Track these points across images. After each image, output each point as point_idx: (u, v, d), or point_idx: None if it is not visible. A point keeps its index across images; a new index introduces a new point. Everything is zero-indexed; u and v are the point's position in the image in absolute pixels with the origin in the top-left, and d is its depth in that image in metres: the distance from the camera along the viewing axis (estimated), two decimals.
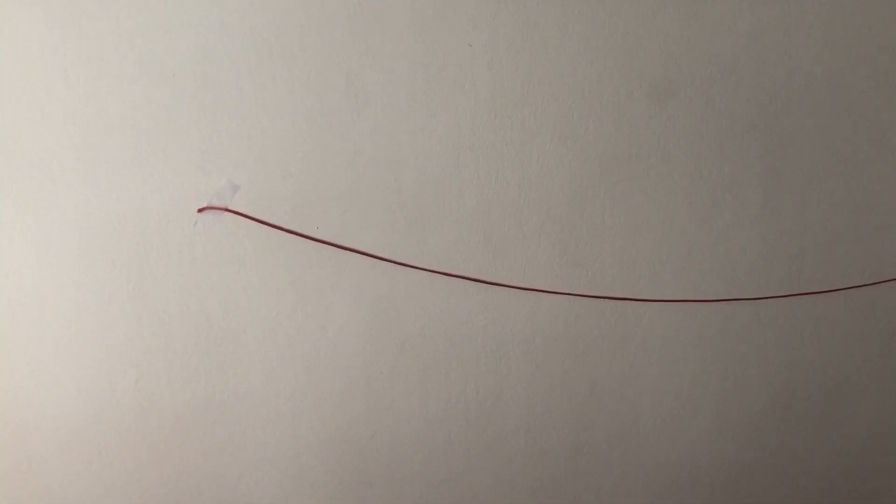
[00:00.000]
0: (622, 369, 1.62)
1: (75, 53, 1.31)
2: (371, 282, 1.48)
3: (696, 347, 1.63)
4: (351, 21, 1.37)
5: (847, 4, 1.53)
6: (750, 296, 1.62)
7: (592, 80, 1.47)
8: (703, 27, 1.49)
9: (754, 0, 1.49)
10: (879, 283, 1.65)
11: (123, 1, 1.31)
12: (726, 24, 1.49)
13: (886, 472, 1.79)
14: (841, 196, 1.60)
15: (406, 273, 1.48)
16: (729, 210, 1.57)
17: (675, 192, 1.54)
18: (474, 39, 1.42)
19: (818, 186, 1.59)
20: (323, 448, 1.55)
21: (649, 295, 1.58)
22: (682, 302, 1.60)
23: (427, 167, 1.45)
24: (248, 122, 1.38)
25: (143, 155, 1.36)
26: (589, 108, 1.48)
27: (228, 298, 1.44)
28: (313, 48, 1.37)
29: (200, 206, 1.38)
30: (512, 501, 1.66)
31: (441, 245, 1.49)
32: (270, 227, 1.41)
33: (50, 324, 1.41)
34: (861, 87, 1.57)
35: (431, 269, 1.49)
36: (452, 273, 1.50)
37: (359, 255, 1.46)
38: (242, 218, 1.40)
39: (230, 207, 1.39)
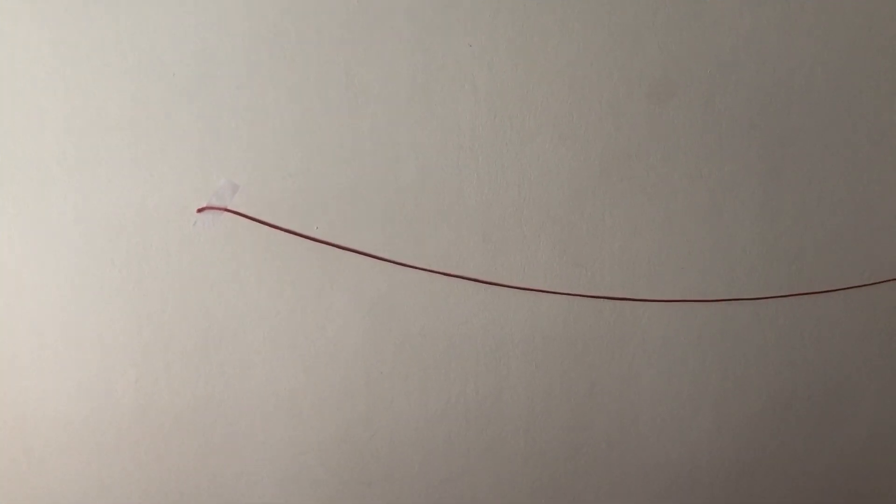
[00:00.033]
0: (622, 369, 1.62)
1: (75, 53, 1.31)
2: (370, 282, 1.48)
3: (696, 347, 1.63)
4: (350, 21, 1.37)
5: (847, 4, 1.53)
6: (750, 296, 1.61)
7: (592, 80, 1.47)
8: (703, 27, 1.49)
9: (754, 0, 1.49)
10: (879, 283, 1.65)
11: (123, 1, 1.31)
12: (726, 24, 1.49)
13: (886, 472, 1.79)
14: (841, 196, 1.60)
15: (405, 273, 1.48)
16: (729, 210, 1.57)
17: (675, 192, 1.54)
18: (474, 39, 1.41)
19: (818, 186, 1.59)
20: (322, 448, 1.55)
21: (649, 295, 1.58)
22: (681, 302, 1.60)
23: (426, 167, 1.45)
24: (247, 122, 1.38)
25: (142, 155, 1.36)
26: (589, 107, 1.48)
27: (228, 298, 1.44)
28: (312, 48, 1.37)
29: (200, 206, 1.38)
30: (511, 501, 1.65)
31: (440, 245, 1.49)
32: (270, 227, 1.41)
33: (49, 324, 1.41)
34: (861, 87, 1.56)
35: (431, 268, 1.49)
36: (452, 273, 1.50)
37: (358, 254, 1.46)
38: (242, 218, 1.40)
39: (229, 207, 1.39)
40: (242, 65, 1.36)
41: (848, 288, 1.64)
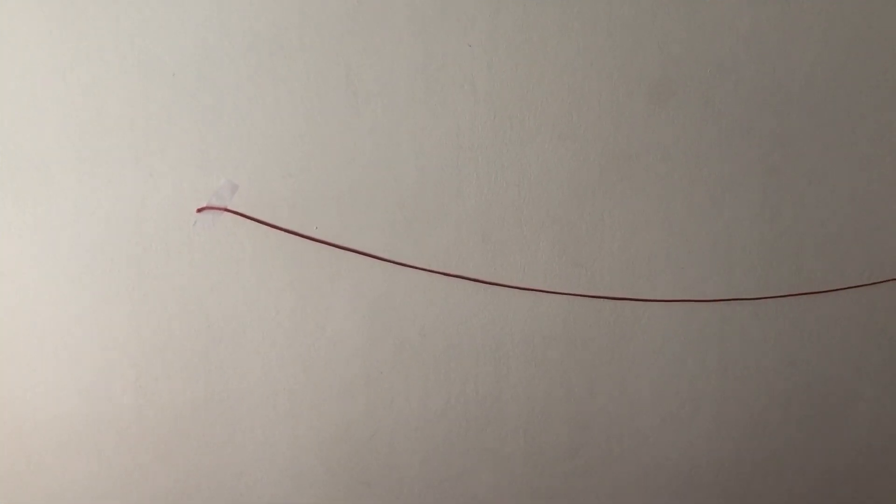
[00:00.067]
0: (622, 369, 1.62)
1: (74, 53, 1.31)
2: (370, 281, 1.48)
3: (696, 347, 1.63)
4: (350, 20, 1.37)
5: (847, 4, 1.53)
6: (749, 296, 1.61)
7: (592, 80, 1.47)
8: (702, 27, 1.49)
9: (754, 0, 1.49)
10: (879, 283, 1.65)
11: (123, 1, 1.31)
12: (726, 24, 1.49)
13: (886, 472, 1.79)
14: (840, 196, 1.60)
15: (405, 273, 1.48)
16: (728, 210, 1.57)
17: (675, 191, 1.54)
18: (474, 39, 1.42)
19: (817, 186, 1.59)
20: (322, 448, 1.55)
21: (649, 295, 1.58)
22: (681, 302, 1.60)
23: (426, 167, 1.45)
24: (247, 121, 1.38)
25: (142, 155, 1.36)
26: (588, 107, 1.48)
27: (227, 298, 1.44)
28: (312, 48, 1.37)
29: (200, 206, 1.38)
30: (511, 501, 1.65)
31: (440, 245, 1.49)
32: (269, 227, 1.41)
33: (49, 323, 1.41)
34: (861, 87, 1.56)
35: (430, 268, 1.49)
36: (451, 273, 1.50)
37: (358, 254, 1.46)
38: (241, 218, 1.40)
39: (229, 207, 1.39)
40: (242, 65, 1.36)
41: (847, 288, 1.64)
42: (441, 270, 1.50)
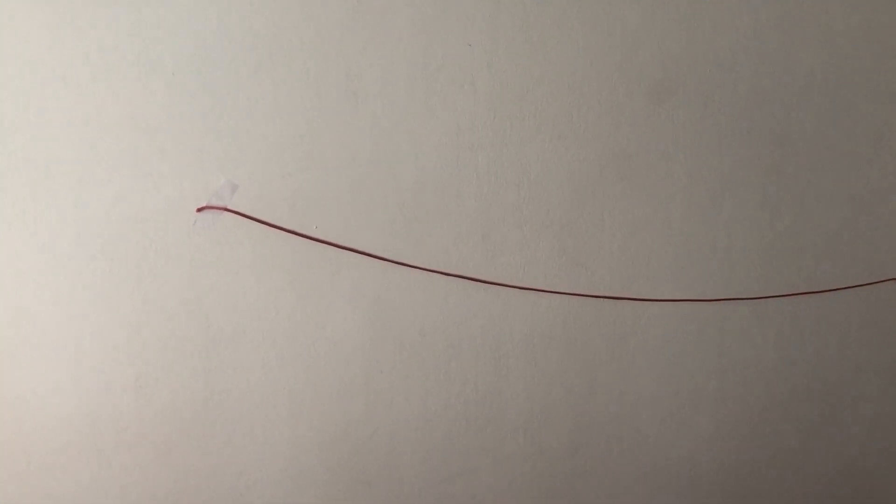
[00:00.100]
0: (621, 368, 1.62)
1: (74, 53, 1.31)
2: (370, 281, 1.48)
3: (695, 347, 1.63)
4: (350, 20, 1.37)
5: (847, 4, 1.53)
6: (749, 295, 1.61)
7: (592, 80, 1.47)
8: (702, 27, 1.49)
9: (754, 0, 1.49)
10: (878, 282, 1.65)
11: (123, 1, 1.31)
12: (726, 24, 1.49)
13: (886, 472, 1.79)
14: (840, 196, 1.60)
15: (405, 272, 1.48)
16: (728, 209, 1.57)
17: (675, 191, 1.54)
18: (474, 38, 1.42)
19: (817, 186, 1.59)
20: (322, 447, 1.55)
21: (648, 294, 1.58)
22: (681, 301, 1.60)
23: (426, 166, 1.45)
24: (246, 121, 1.38)
25: (141, 154, 1.36)
26: (588, 107, 1.48)
27: (227, 298, 1.44)
28: (312, 47, 1.37)
29: (199, 206, 1.39)
30: (511, 501, 1.65)
31: (440, 244, 1.49)
32: (269, 227, 1.41)
33: (49, 323, 1.41)
34: (861, 86, 1.56)
35: (430, 268, 1.49)
36: (451, 272, 1.50)
37: (358, 254, 1.46)
38: (241, 217, 1.40)
39: (229, 207, 1.39)
40: (242, 64, 1.36)
41: (847, 287, 1.64)
42: (441, 270, 1.50)
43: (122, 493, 1.50)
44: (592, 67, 1.47)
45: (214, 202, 1.38)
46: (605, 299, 1.57)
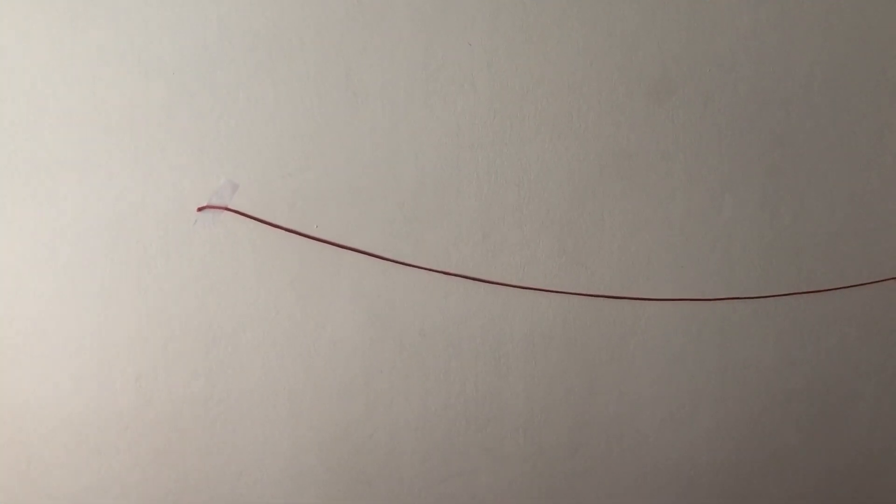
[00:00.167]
0: (621, 368, 1.62)
1: (74, 52, 1.32)
2: (370, 281, 1.48)
3: (695, 346, 1.63)
4: (350, 19, 1.38)
5: (847, 4, 1.53)
6: (749, 295, 1.61)
7: (592, 79, 1.47)
8: (702, 26, 1.49)
9: (754, 0, 1.49)
10: (878, 282, 1.65)
11: (123, 1, 1.31)
12: (726, 24, 1.49)
13: (886, 472, 1.79)
14: (840, 195, 1.60)
15: (405, 272, 1.48)
16: (728, 209, 1.57)
17: (675, 190, 1.54)
18: (474, 38, 1.42)
19: (817, 185, 1.59)
20: (322, 447, 1.55)
21: (648, 294, 1.58)
22: (681, 301, 1.60)
23: (426, 166, 1.45)
24: (247, 121, 1.38)
25: (142, 154, 1.37)
26: (588, 106, 1.48)
27: (228, 297, 1.44)
28: (312, 47, 1.37)
29: (200, 205, 1.39)
30: (511, 501, 1.65)
31: (440, 244, 1.49)
32: (270, 226, 1.42)
33: (49, 323, 1.41)
34: (861, 86, 1.56)
35: (430, 267, 1.49)
36: (451, 272, 1.50)
37: (358, 253, 1.46)
38: (242, 217, 1.40)
39: (229, 206, 1.39)
40: (242, 64, 1.36)
41: (847, 287, 1.64)
42: (441, 269, 1.50)
43: (122, 493, 1.50)
44: (592, 67, 1.47)
45: (215, 202, 1.38)
46: (605, 299, 1.57)
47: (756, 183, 1.57)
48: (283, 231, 1.42)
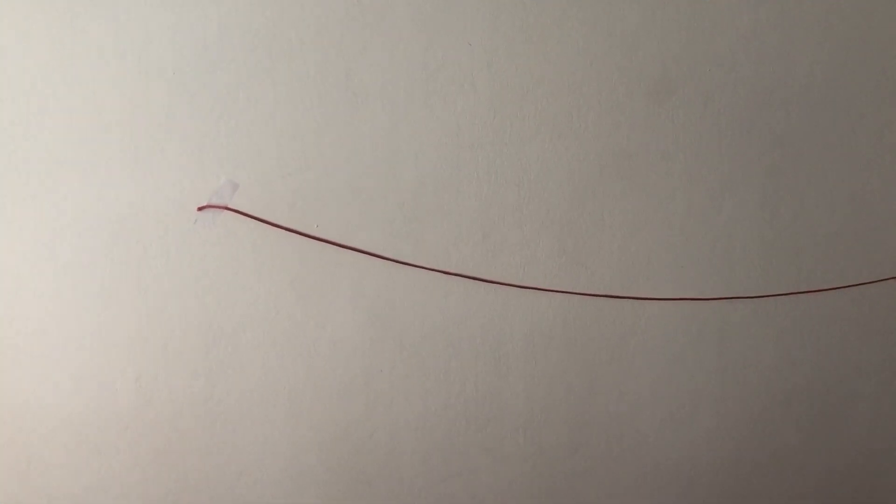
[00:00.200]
0: (621, 368, 1.62)
1: (74, 52, 1.32)
2: (370, 280, 1.48)
3: (695, 346, 1.63)
4: (350, 19, 1.38)
5: (847, 4, 1.53)
6: (749, 294, 1.61)
7: (592, 79, 1.47)
8: (702, 26, 1.49)
9: (754, 0, 1.49)
10: (878, 281, 1.65)
11: (122, 0, 1.31)
12: (725, 24, 1.49)
13: (886, 472, 1.79)
14: (839, 195, 1.60)
15: (405, 271, 1.48)
16: (728, 209, 1.57)
17: (675, 190, 1.54)
18: (474, 38, 1.42)
19: (817, 185, 1.59)
20: (322, 447, 1.55)
21: (648, 293, 1.58)
22: (681, 300, 1.60)
23: (426, 165, 1.45)
24: (247, 120, 1.38)
25: (142, 153, 1.37)
26: (588, 106, 1.48)
27: (227, 297, 1.44)
28: (312, 46, 1.38)
29: (200, 205, 1.39)
30: (511, 500, 1.65)
31: (440, 243, 1.49)
32: (270, 226, 1.42)
33: (49, 323, 1.41)
34: (860, 86, 1.57)
35: (430, 267, 1.49)
36: (451, 271, 1.50)
37: (358, 253, 1.46)
38: (242, 216, 1.40)
39: (230, 206, 1.39)
40: (242, 64, 1.36)
41: (847, 286, 1.64)
42: (441, 269, 1.50)
43: (122, 493, 1.50)
44: (592, 67, 1.47)
45: (215, 201, 1.39)
46: (606, 298, 1.57)
47: (756, 183, 1.57)
48: (283, 231, 1.42)
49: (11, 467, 1.47)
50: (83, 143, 1.35)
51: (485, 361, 1.56)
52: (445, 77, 1.42)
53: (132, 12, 1.32)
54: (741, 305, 1.62)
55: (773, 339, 1.65)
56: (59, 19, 1.30)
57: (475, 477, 1.62)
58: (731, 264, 1.60)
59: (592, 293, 1.56)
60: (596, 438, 1.65)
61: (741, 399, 1.68)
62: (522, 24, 1.43)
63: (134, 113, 1.35)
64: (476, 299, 1.53)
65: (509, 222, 1.50)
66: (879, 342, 1.70)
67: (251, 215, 1.41)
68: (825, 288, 1.64)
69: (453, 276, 1.50)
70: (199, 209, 1.38)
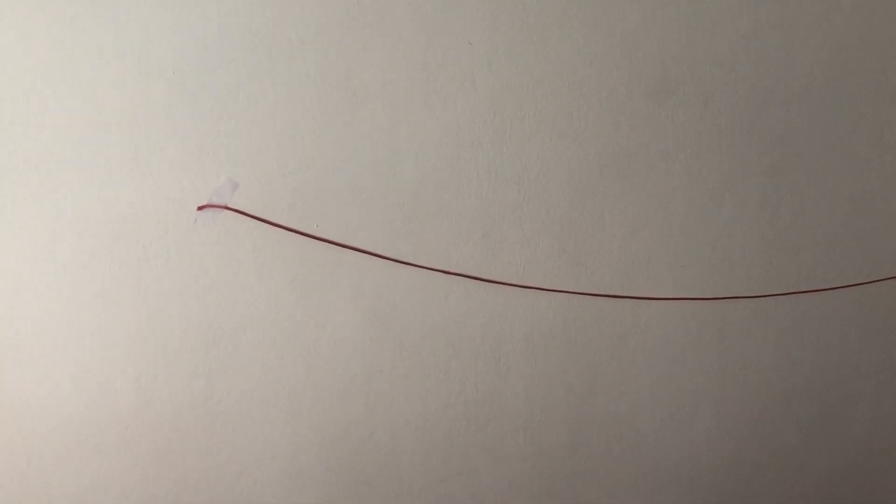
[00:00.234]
0: (621, 367, 1.62)
1: (74, 52, 1.32)
2: (370, 280, 1.48)
3: (695, 346, 1.63)
4: (350, 18, 1.38)
5: (847, 4, 1.53)
6: (749, 294, 1.61)
7: (592, 79, 1.47)
8: (702, 26, 1.49)
9: (754, 0, 1.49)
10: (878, 281, 1.65)
11: (123, 0, 1.31)
12: (725, 23, 1.49)
13: (886, 472, 1.79)
14: (840, 194, 1.60)
15: (405, 271, 1.48)
16: (728, 208, 1.57)
17: (675, 190, 1.54)
18: (474, 37, 1.42)
19: (817, 185, 1.59)
20: (322, 447, 1.55)
21: (648, 293, 1.58)
22: (681, 300, 1.60)
23: (426, 165, 1.45)
24: (247, 119, 1.38)
25: (141, 153, 1.37)
26: (588, 106, 1.48)
27: (227, 296, 1.44)
28: (312, 45, 1.37)
29: (200, 204, 1.39)
30: (511, 500, 1.65)
31: (440, 243, 1.49)
32: (270, 225, 1.42)
33: (49, 323, 1.41)
34: (860, 86, 1.57)
35: (430, 266, 1.49)
36: (451, 271, 1.50)
37: (358, 252, 1.46)
38: (242, 216, 1.40)
39: (229, 205, 1.39)
40: (242, 63, 1.36)
41: (847, 286, 1.64)
42: (441, 268, 1.50)
43: (122, 493, 1.50)
44: (592, 67, 1.47)
45: (215, 201, 1.38)
46: (606, 298, 1.57)
47: (756, 183, 1.57)
48: (283, 230, 1.42)
49: (11, 467, 1.46)
50: (83, 143, 1.35)
51: (485, 361, 1.56)
52: (445, 76, 1.42)
53: (132, 12, 1.32)
54: (741, 305, 1.62)
55: (773, 339, 1.66)
56: (59, 19, 1.30)
57: (475, 477, 1.62)
58: (731, 264, 1.60)
59: (592, 293, 1.56)
60: (596, 438, 1.65)
61: (741, 399, 1.68)
62: (522, 24, 1.43)
63: (134, 113, 1.35)
64: (476, 299, 1.53)
65: (509, 222, 1.50)
66: (879, 342, 1.70)
67: (251, 215, 1.40)
68: (825, 288, 1.64)
69: (453, 276, 1.50)
70: (199, 209, 1.38)
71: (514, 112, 1.46)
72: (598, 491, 1.68)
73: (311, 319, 1.48)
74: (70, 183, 1.36)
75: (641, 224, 1.55)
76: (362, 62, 1.39)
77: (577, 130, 1.49)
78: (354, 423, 1.55)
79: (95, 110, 1.34)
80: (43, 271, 1.39)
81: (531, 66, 1.45)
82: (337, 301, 1.48)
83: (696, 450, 1.70)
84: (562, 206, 1.51)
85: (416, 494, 1.61)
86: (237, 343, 1.47)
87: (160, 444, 1.49)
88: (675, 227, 1.56)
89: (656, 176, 1.53)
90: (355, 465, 1.57)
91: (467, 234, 1.49)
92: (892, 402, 1.74)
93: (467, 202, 1.48)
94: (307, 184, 1.42)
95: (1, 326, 1.40)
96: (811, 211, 1.60)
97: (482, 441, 1.61)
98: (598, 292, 1.56)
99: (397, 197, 1.45)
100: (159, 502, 1.52)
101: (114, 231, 1.39)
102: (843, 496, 1.79)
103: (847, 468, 1.77)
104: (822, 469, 1.76)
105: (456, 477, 1.61)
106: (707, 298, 1.60)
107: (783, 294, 1.62)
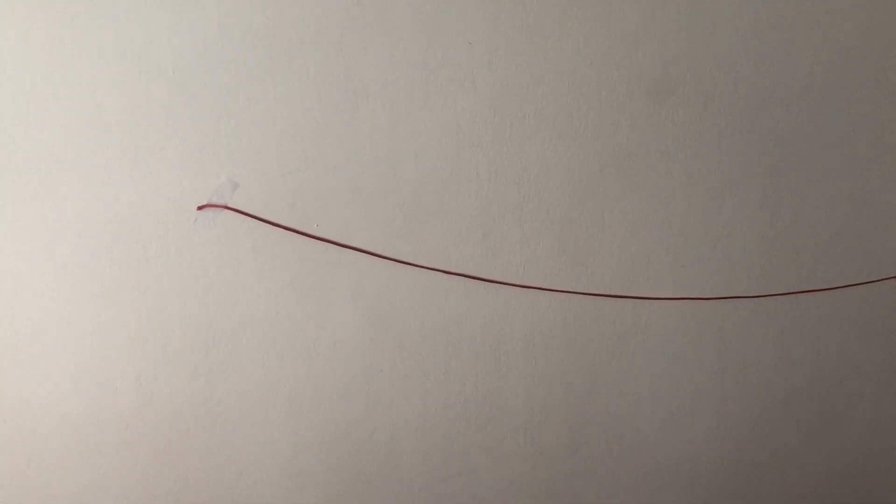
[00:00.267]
0: (621, 367, 1.62)
1: (74, 52, 1.32)
2: (370, 280, 1.48)
3: (695, 345, 1.63)
4: (350, 18, 1.38)
5: (847, 4, 1.53)
6: (749, 294, 1.61)
7: (592, 79, 1.47)
8: (702, 26, 1.49)
9: (754, 0, 1.49)
10: (878, 281, 1.65)
11: (123, 0, 1.31)
12: (725, 23, 1.50)
13: (886, 472, 1.79)
14: (840, 194, 1.60)
15: (405, 271, 1.48)
16: (728, 208, 1.57)
17: (675, 190, 1.54)
18: (474, 37, 1.42)
19: (817, 185, 1.59)
20: (322, 446, 1.55)
21: (648, 293, 1.58)
22: (681, 300, 1.60)
23: (426, 165, 1.45)
24: (247, 119, 1.38)
25: (141, 153, 1.36)
26: (588, 106, 1.48)
27: (227, 296, 1.44)
28: (312, 45, 1.37)
29: (200, 204, 1.39)
30: (511, 500, 1.65)
31: (440, 242, 1.49)
32: (269, 225, 1.41)
33: (49, 323, 1.41)
34: (860, 86, 1.57)
35: (430, 266, 1.49)
36: (451, 271, 1.50)
37: (358, 252, 1.46)
38: (242, 215, 1.40)
39: (229, 205, 1.39)
40: (242, 63, 1.36)
41: (847, 286, 1.64)
42: (441, 268, 1.50)
43: (122, 493, 1.50)
44: (592, 67, 1.47)
45: (215, 200, 1.38)
46: (606, 298, 1.57)
47: (756, 183, 1.57)
48: (283, 230, 1.42)
49: (11, 467, 1.46)
50: (83, 143, 1.35)
51: (485, 361, 1.56)
52: (445, 76, 1.42)
53: (132, 12, 1.32)
54: (741, 305, 1.62)
55: (773, 339, 1.66)
56: (59, 19, 1.30)
57: (475, 477, 1.62)
58: (731, 264, 1.60)
59: (592, 292, 1.56)
60: (596, 438, 1.65)
61: (741, 399, 1.68)
62: (522, 24, 1.43)
63: (134, 113, 1.35)
64: (476, 299, 1.53)
65: (509, 221, 1.50)
66: (879, 342, 1.70)
67: (251, 215, 1.40)
68: (825, 288, 1.64)
69: (453, 276, 1.50)
70: (199, 208, 1.38)
71: (514, 112, 1.46)
72: (598, 491, 1.68)
73: (311, 319, 1.48)
74: (70, 183, 1.36)
75: (641, 224, 1.55)
76: (362, 62, 1.39)
77: (577, 130, 1.49)
78: (354, 423, 1.55)
79: (95, 110, 1.34)
80: (43, 271, 1.39)
81: (531, 66, 1.45)
82: (337, 301, 1.48)
83: (696, 450, 1.70)
84: (562, 206, 1.51)
85: (416, 494, 1.61)
86: (237, 343, 1.47)
87: (160, 444, 1.49)
88: (675, 227, 1.56)
89: (656, 176, 1.53)
90: (355, 465, 1.57)
91: (467, 234, 1.49)
92: (892, 402, 1.74)
93: (467, 202, 1.48)
94: (307, 184, 1.42)
95: (1, 326, 1.40)
96: (811, 211, 1.60)
97: (482, 441, 1.61)
98: (598, 292, 1.56)
99: (397, 197, 1.45)
100: (159, 502, 1.52)
101: (114, 231, 1.39)
102: (843, 496, 1.79)
103: (847, 468, 1.77)
104: (822, 469, 1.76)
105: (456, 477, 1.61)
106: (707, 298, 1.60)
107: (783, 294, 1.62)
